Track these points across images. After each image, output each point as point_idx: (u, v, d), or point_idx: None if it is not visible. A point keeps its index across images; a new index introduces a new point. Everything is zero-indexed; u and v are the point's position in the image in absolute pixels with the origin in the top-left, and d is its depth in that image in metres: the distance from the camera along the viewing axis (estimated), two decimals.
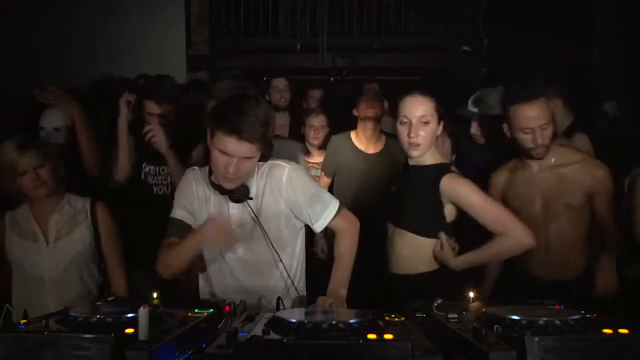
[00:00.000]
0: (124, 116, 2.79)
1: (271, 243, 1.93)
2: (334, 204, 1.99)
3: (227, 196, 1.89)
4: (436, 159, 2.18)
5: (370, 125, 3.27)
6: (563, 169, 2.37)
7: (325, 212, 1.97)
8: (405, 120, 2.12)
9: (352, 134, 3.37)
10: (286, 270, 1.97)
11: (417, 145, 2.11)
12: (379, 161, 3.28)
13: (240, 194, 1.87)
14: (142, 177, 2.84)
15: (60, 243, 2.25)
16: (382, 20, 6.26)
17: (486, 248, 2.08)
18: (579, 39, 4.57)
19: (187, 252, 1.89)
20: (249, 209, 1.91)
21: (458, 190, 2.08)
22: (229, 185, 1.84)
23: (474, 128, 2.95)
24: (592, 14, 4.61)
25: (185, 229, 1.93)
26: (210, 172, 1.91)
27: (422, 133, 2.10)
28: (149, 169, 2.85)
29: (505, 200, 2.44)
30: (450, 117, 3.27)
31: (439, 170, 2.12)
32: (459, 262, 2.12)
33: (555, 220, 2.39)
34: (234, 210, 1.93)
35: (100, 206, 2.34)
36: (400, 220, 2.22)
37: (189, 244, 1.87)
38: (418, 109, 2.10)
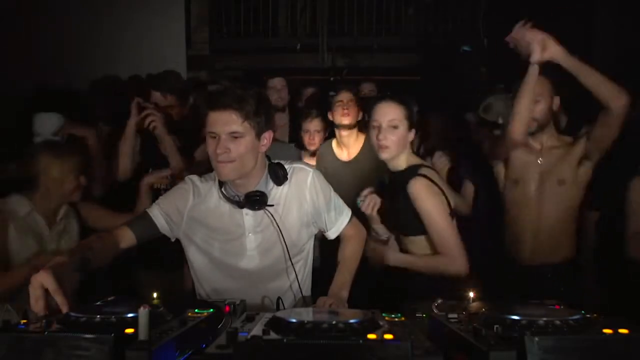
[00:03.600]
0: (133, 118, 2.83)
1: (288, 250, 1.89)
2: (347, 212, 2.05)
3: (238, 205, 1.84)
4: (409, 163, 2.27)
5: (344, 132, 3.24)
6: (558, 150, 2.49)
7: (340, 219, 2.01)
8: (376, 124, 2.25)
9: (334, 141, 3.35)
10: (296, 275, 1.95)
11: (386, 147, 2.23)
12: (353, 169, 3.23)
13: (258, 203, 1.83)
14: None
15: (65, 239, 2.41)
16: (382, 20, 6.26)
17: (425, 258, 2.22)
18: (578, 39, 4.57)
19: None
20: (269, 215, 1.86)
21: (417, 194, 2.17)
22: (224, 172, 1.76)
23: (482, 134, 2.99)
24: (592, 14, 4.61)
25: (146, 227, 1.86)
26: (221, 185, 1.88)
27: (391, 137, 2.22)
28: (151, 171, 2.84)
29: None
30: (450, 119, 3.29)
31: (409, 174, 2.22)
32: (397, 258, 2.24)
33: (547, 200, 2.46)
34: (249, 217, 1.89)
35: (81, 203, 2.50)
36: (392, 224, 2.34)
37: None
38: (388, 114, 2.22)
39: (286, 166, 1.92)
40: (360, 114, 3.25)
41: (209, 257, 1.94)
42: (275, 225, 1.87)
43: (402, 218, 2.26)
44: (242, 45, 6.30)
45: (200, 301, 1.74)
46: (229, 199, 1.86)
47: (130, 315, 1.27)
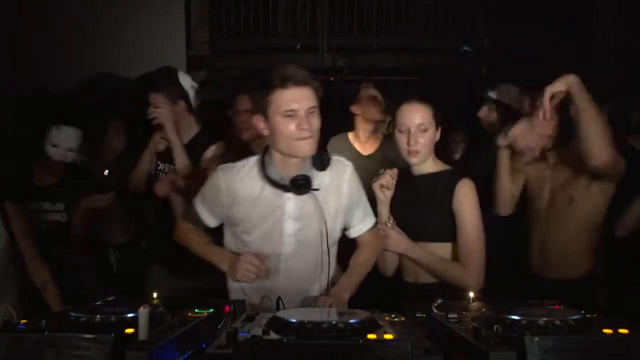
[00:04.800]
0: (149, 150, 2.82)
1: (327, 237, 1.88)
2: (372, 216, 2.05)
3: (284, 189, 1.82)
4: (439, 166, 2.20)
5: (371, 127, 3.24)
6: (570, 165, 2.35)
7: (366, 221, 2.02)
8: (403, 128, 2.13)
9: (350, 135, 3.35)
10: (329, 266, 1.92)
11: (417, 152, 2.12)
12: (373, 162, 3.22)
13: (304, 187, 1.81)
14: (159, 176, 2.85)
15: None
16: (382, 20, 6.25)
17: (441, 259, 2.11)
18: (579, 39, 4.57)
19: (201, 256, 1.97)
20: (314, 199, 1.84)
21: (466, 197, 2.09)
22: (308, 148, 1.76)
23: (483, 112, 2.93)
24: (592, 13, 4.61)
25: (199, 221, 1.99)
26: (264, 167, 1.85)
27: (421, 140, 2.11)
28: (163, 167, 2.85)
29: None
30: (449, 119, 3.28)
31: (451, 177, 2.14)
32: (410, 245, 2.13)
33: (557, 217, 2.37)
34: (291, 202, 1.86)
35: (10, 205, 2.25)
36: (417, 232, 2.18)
37: (209, 257, 1.95)
38: (416, 117, 2.11)
39: None
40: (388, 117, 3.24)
41: (244, 242, 1.94)
42: (319, 208, 1.85)
43: (432, 223, 2.16)
44: (242, 45, 6.29)
45: (200, 301, 1.74)
46: (274, 183, 1.84)
47: (130, 315, 1.27)
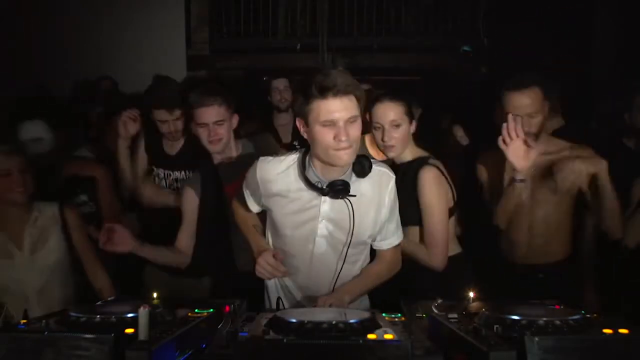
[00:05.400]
0: (123, 139, 2.75)
1: (350, 242, 1.85)
2: (400, 234, 2.01)
3: (321, 192, 1.80)
4: (417, 153, 2.31)
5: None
6: (551, 156, 2.36)
7: (394, 236, 1.97)
8: (378, 125, 2.27)
9: (367, 139, 3.30)
10: (341, 268, 1.90)
11: (392, 147, 2.26)
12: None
13: (341, 191, 1.78)
14: (154, 181, 2.82)
15: (38, 255, 2.22)
16: (382, 20, 6.25)
17: (407, 241, 2.19)
18: (579, 39, 4.57)
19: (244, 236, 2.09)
20: (348, 205, 1.81)
21: (425, 184, 2.20)
22: (345, 157, 1.71)
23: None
24: (592, 13, 4.61)
25: (245, 202, 2.03)
26: (303, 168, 1.83)
27: (395, 135, 2.24)
28: (158, 172, 2.82)
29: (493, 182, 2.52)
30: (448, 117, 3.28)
31: (418, 164, 2.25)
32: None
33: (539, 207, 2.41)
34: (326, 204, 1.84)
35: (68, 209, 2.32)
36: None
37: (248, 240, 2.06)
38: (389, 115, 2.24)
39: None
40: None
41: (279, 235, 1.95)
42: (351, 215, 1.83)
43: (405, 208, 2.17)
44: (242, 45, 6.29)
45: (200, 301, 1.74)
46: (312, 186, 1.82)
47: (130, 315, 1.27)
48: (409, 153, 2.31)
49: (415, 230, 2.27)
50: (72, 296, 2.28)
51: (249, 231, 2.06)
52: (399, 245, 2.01)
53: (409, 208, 2.20)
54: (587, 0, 4.59)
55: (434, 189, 2.20)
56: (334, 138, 1.68)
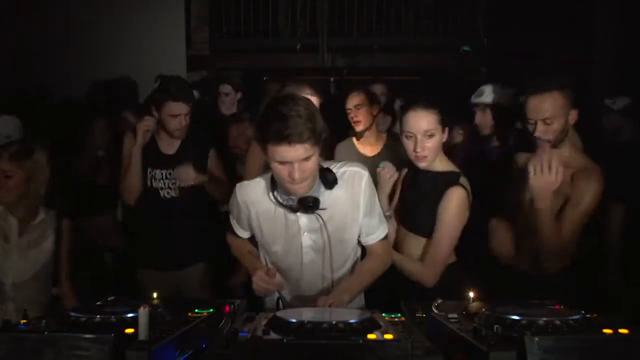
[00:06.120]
0: (139, 145, 2.76)
1: (331, 249, 1.91)
2: (385, 226, 2.03)
3: (291, 210, 1.86)
4: (445, 166, 2.21)
5: (359, 128, 3.24)
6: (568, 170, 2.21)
7: (379, 229, 2.00)
8: (410, 134, 2.15)
9: (354, 139, 3.34)
10: (331, 275, 1.95)
11: (425, 157, 2.14)
12: (377, 163, 3.24)
13: (311, 207, 1.83)
14: (149, 183, 2.81)
15: (31, 252, 2.30)
16: (382, 20, 6.25)
17: (402, 258, 2.19)
18: (579, 39, 4.57)
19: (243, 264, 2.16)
20: (319, 219, 1.87)
21: (451, 203, 2.12)
22: (301, 191, 1.78)
23: (478, 117, 2.96)
24: (592, 13, 4.61)
25: (234, 231, 2.10)
26: (273, 188, 1.88)
27: (428, 145, 2.13)
28: (155, 173, 2.81)
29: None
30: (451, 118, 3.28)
31: (448, 180, 2.15)
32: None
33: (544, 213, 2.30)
34: (303, 218, 1.90)
35: (66, 223, 2.40)
36: (412, 224, 2.24)
37: (245, 266, 2.12)
38: (422, 124, 2.12)
39: (341, 168, 1.91)
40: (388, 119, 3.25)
41: (269, 253, 2.01)
42: (324, 229, 1.88)
43: (422, 217, 2.20)
44: (242, 45, 6.29)
45: (200, 301, 1.74)
46: (282, 204, 1.88)
47: (130, 315, 1.27)
48: (439, 163, 2.20)
49: (418, 240, 2.21)
50: (45, 305, 2.30)
51: (244, 257, 2.10)
52: (386, 237, 2.03)
53: (427, 218, 2.16)
54: (587, 0, 4.59)
55: (457, 211, 2.12)
56: (289, 174, 1.72)
